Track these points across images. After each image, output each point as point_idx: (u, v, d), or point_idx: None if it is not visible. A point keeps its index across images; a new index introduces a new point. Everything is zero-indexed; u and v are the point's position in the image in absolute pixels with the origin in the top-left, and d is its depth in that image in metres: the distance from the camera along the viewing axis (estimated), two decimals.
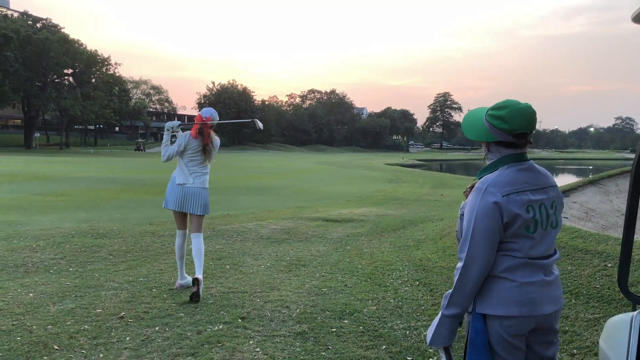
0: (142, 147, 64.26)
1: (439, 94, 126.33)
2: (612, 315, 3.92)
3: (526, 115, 1.85)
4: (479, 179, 1.94)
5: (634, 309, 1.56)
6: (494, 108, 1.92)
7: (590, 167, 55.99)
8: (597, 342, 3.53)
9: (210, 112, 5.14)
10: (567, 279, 4.68)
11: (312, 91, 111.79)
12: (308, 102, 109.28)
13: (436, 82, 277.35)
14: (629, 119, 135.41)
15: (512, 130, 1.86)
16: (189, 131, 5.08)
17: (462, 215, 1.97)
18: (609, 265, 4.68)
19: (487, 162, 1.98)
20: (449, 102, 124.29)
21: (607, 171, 10.65)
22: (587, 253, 5.06)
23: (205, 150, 5.03)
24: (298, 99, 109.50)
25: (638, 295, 1.57)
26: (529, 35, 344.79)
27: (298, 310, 4.38)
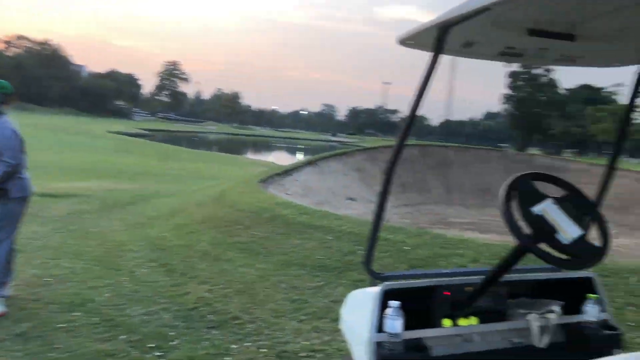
0: None
1: (169, 61, 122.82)
2: (333, 283, 4.54)
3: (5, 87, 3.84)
4: None
5: (372, 285, 1.78)
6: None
7: (301, 146, 62.92)
8: (323, 308, 4.05)
9: None
10: (295, 252, 5.21)
11: (21, 37, 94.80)
12: (13, 49, 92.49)
13: (167, 49, 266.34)
14: (331, 106, 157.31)
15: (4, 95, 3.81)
16: None
17: None
18: (330, 238, 5.40)
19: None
20: (177, 72, 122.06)
21: (322, 154, 12.21)
22: (311, 227, 5.73)
23: None
24: (1, 45, 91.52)
25: (379, 272, 1.81)
26: (268, 19, 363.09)
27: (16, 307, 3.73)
